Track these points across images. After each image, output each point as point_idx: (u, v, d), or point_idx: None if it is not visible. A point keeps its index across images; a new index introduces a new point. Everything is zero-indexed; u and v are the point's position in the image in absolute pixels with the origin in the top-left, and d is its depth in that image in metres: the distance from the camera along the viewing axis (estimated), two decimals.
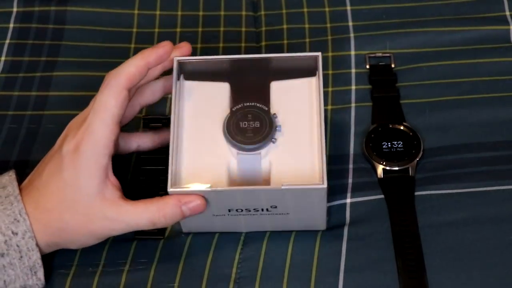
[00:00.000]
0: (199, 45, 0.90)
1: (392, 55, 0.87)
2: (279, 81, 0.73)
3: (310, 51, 0.88)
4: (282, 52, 0.88)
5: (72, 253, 0.73)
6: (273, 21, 0.92)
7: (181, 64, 0.72)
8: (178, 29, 0.91)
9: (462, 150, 0.79)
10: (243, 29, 0.91)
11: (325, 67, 0.86)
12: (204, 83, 0.73)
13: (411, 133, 0.80)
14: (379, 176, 0.77)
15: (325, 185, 0.67)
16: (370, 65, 0.86)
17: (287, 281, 0.71)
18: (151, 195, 0.70)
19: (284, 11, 0.92)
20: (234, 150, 0.69)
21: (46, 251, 0.69)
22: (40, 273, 0.68)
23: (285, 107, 0.72)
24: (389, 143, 0.79)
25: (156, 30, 0.91)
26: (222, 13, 0.93)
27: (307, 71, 0.73)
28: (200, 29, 0.91)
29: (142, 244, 0.74)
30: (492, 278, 0.70)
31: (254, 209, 0.70)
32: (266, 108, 0.70)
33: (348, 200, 0.76)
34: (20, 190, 0.69)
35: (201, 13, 0.93)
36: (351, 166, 0.79)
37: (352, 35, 0.89)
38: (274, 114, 0.71)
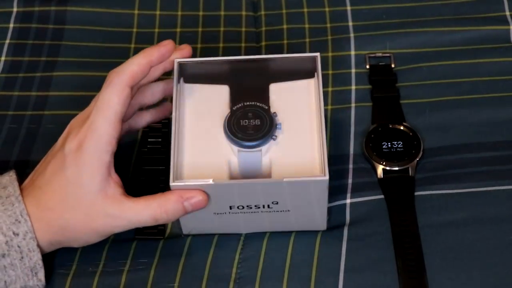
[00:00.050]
0: (199, 45, 0.90)
1: (392, 55, 0.87)
2: (278, 83, 0.73)
3: (310, 51, 0.88)
4: (282, 52, 0.88)
5: (72, 253, 0.73)
6: (273, 21, 0.92)
7: (181, 66, 0.73)
8: (178, 29, 0.91)
9: (462, 150, 0.79)
10: (243, 29, 0.91)
11: (325, 67, 0.86)
12: (204, 85, 0.74)
13: (411, 133, 0.80)
14: (379, 176, 0.77)
15: (326, 177, 0.67)
16: (370, 65, 0.86)
17: (287, 281, 0.71)
18: (152, 194, 0.70)
19: (284, 11, 0.92)
20: (235, 148, 0.70)
21: (48, 250, 0.70)
22: (41, 274, 0.68)
23: (284, 107, 0.72)
24: (389, 143, 0.79)
25: (156, 30, 0.91)
26: (222, 13, 0.93)
27: (306, 73, 0.74)
28: (200, 29, 0.91)
29: (142, 244, 0.74)
30: (492, 278, 0.70)
31: (255, 206, 0.70)
32: (266, 107, 0.71)
33: (348, 201, 0.76)
34: (21, 190, 0.69)
35: (201, 13, 0.93)
36: (351, 166, 0.79)
37: (352, 35, 0.89)
38: (274, 112, 0.71)
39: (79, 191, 0.68)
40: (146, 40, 0.90)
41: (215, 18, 0.92)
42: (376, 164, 0.78)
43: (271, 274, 0.72)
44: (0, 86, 0.86)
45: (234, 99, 0.72)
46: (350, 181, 0.78)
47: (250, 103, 0.71)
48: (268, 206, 0.70)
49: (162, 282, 0.72)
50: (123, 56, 0.88)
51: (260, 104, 0.71)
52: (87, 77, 0.87)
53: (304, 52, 0.87)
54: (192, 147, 0.71)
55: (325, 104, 0.83)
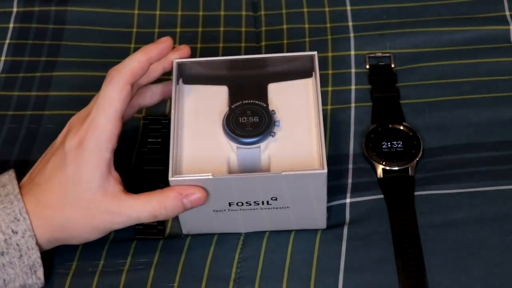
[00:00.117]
0: (199, 45, 0.90)
1: (392, 55, 0.87)
2: (276, 82, 0.74)
3: (310, 51, 0.88)
4: (282, 52, 0.88)
5: (72, 252, 0.73)
6: (273, 21, 0.92)
7: (180, 67, 0.73)
8: (178, 29, 0.91)
9: (462, 150, 0.79)
10: (243, 29, 0.91)
11: (325, 67, 0.86)
12: (203, 86, 0.74)
13: (411, 133, 0.80)
14: (379, 176, 0.77)
15: (325, 170, 0.67)
16: (370, 65, 0.86)
17: (286, 280, 0.71)
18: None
19: (284, 11, 0.92)
20: (234, 145, 0.70)
21: (47, 247, 0.70)
22: (40, 272, 0.68)
23: (283, 106, 0.72)
24: (389, 143, 0.79)
25: (156, 30, 0.92)
26: (222, 13, 0.93)
27: (304, 73, 0.74)
28: (200, 29, 0.91)
29: (142, 244, 0.74)
30: (492, 278, 0.70)
31: (254, 202, 0.70)
32: (265, 105, 0.71)
33: (348, 200, 0.76)
34: (20, 187, 0.69)
35: (201, 13, 0.93)
36: (351, 166, 0.79)
37: (352, 35, 0.89)
38: (273, 110, 0.71)
39: (79, 188, 0.68)
40: (146, 40, 0.89)
41: (215, 18, 0.92)
42: (376, 164, 0.78)
43: (271, 273, 0.72)
44: (0, 86, 0.86)
45: (233, 98, 0.72)
46: (350, 181, 0.78)
47: (249, 101, 0.71)
48: (268, 203, 0.70)
49: (162, 282, 0.72)
50: (123, 56, 0.86)
51: (259, 102, 0.71)
52: (87, 77, 0.87)
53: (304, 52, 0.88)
54: (191, 145, 0.71)
55: (325, 104, 0.83)
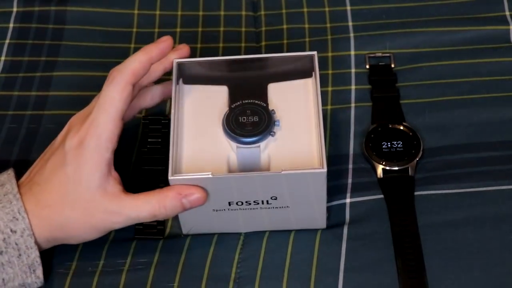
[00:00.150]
0: (199, 45, 0.90)
1: (392, 55, 0.87)
2: (276, 82, 0.74)
3: (310, 51, 0.88)
4: (282, 52, 0.88)
5: (72, 252, 0.73)
6: (273, 21, 0.92)
7: (180, 67, 0.73)
8: (178, 29, 0.91)
9: (462, 150, 0.79)
10: (243, 29, 0.91)
11: (325, 67, 0.86)
12: (203, 86, 0.74)
13: (410, 133, 0.80)
14: (378, 176, 0.77)
15: (324, 169, 0.67)
16: (370, 65, 0.86)
17: (286, 280, 0.71)
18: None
19: (284, 11, 0.92)
20: (234, 145, 0.70)
21: (45, 246, 0.70)
22: (39, 271, 0.68)
23: (283, 106, 0.72)
24: (388, 143, 0.79)
25: (156, 30, 0.92)
26: (222, 13, 0.93)
27: (304, 73, 0.74)
28: (200, 29, 0.91)
29: (142, 244, 0.74)
30: (492, 278, 0.70)
31: (254, 202, 0.70)
32: (265, 104, 0.71)
33: (348, 200, 0.76)
34: (19, 186, 0.69)
35: (201, 13, 0.93)
36: (350, 166, 0.79)
37: (352, 35, 0.89)
38: (273, 110, 0.71)
39: (78, 188, 0.68)
40: (146, 40, 0.90)
41: (215, 18, 0.92)
42: (376, 164, 0.78)
43: (270, 273, 0.72)
44: (0, 86, 0.86)
45: (233, 98, 0.72)
46: (350, 181, 0.78)
47: (249, 100, 0.71)
48: (267, 202, 0.70)
49: (162, 282, 0.72)
50: (123, 56, 0.87)
51: (259, 102, 0.71)
52: (87, 77, 0.87)
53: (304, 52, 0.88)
54: (191, 144, 0.71)
55: (325, 104, 0.83)
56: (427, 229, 0.73)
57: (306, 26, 0.91)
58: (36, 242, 0.68)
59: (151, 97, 0.76)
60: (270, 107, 0.71)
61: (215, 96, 0.74)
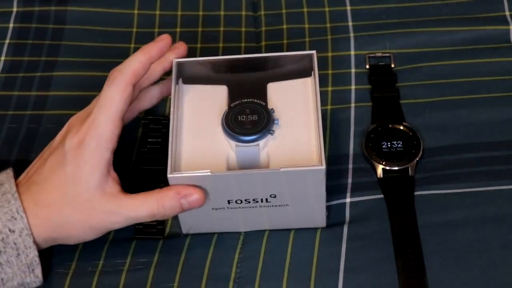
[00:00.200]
0: (199, 45, 0.90)
1: (392, 55, 0.87)
2: (276, 82, 0.74)
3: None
4: (282, 52, 0.88)
5: (71, 252, 0.73)
6: (273, 21, 0.92)
7: (179, 66, 0.73)
8: (178, 29, 0.91)
9: (462, 150, 0.79)
10: (243, 29, 0.91)
11: (325, 67, 0.86)
12: (202, 86, 0.74)
13: (410, 133, 0.79)
14: (378, 176, 0.77)
15: (323, 166, 0.67)
16: (370, 65, 0.86)
17: (286, 280, 0.71)
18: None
19: (284, 11, 0.92)
20: (233, 143, 0.70)
21: (43, 246, 0.69)
22: (38, 271, 0.68)
23: (282, 105, 0.72)
24: (388, 143, 0.79)
25: (156, 30, 0.92)
26: (222, 13, 0.93)
27: (303, 72, 0.74)
28: (200, 29, 0.91)
29: (142, 244, 0.74)
30: (492, 278, 0.70)
31: (253, 200, 0.70)
32: (264, 103, 0.71)
33: (348, 200, 0.76)
34: (17, 186, 0.69)
35: (201, 13, 0.93)
36: (350, 166, 0.79)
37: (352, 35, 0.89)
38: (272, 108, 0.71)
39: (77, 188, 0.68)
40: (146, 40, 0.88)
41: (215, 18, 0.92)
42: (376, 164, 0.78)
43: (270, 273, 0.72)
44: (0, 86, 0.86)
45: (233, 98, 0.72)
46: (350, 180, 0.78)
47: (248, 100, 0.71)
48: (267, 200, 0.70)
49: (162, 282, 0.72)
50: (123, 56, 0.87)
51: (258, 101, 0.71)
52: (87, 77, 0.87)
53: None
54: (190, 143, 0.71)
55: (325, 104, 0.83)
56: (427, 229, 0.73)
57: (306, 26, 0.91)
58: (35, 242, 0.68)
59: (150, 98, 0.76)
60: (269, 106, 0.71)
61: (215, 96, 0.74)
